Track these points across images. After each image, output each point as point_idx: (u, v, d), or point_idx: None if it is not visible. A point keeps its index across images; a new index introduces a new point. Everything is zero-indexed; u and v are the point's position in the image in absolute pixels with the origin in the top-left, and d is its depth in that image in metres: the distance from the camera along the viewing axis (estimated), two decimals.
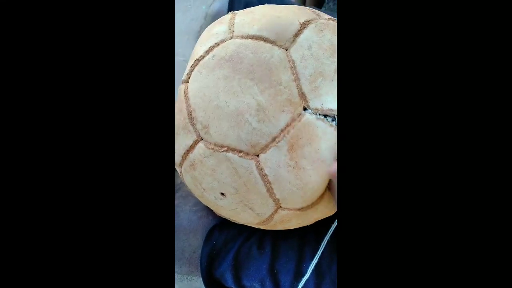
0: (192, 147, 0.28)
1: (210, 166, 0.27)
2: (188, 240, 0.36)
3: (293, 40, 0.27)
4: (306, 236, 0.34)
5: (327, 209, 0.29)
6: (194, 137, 0.27)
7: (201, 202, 0.38)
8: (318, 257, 0.30)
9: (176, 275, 0.36)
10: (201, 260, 0.34)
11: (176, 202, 0.39)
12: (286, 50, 0.26)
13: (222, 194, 0.28)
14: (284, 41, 0.27)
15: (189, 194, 0.40)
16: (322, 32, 0.27)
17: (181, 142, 0.28)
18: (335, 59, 0.26)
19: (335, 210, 0.30)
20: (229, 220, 0.34)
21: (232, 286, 0.34)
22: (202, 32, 0.32)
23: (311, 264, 0.30)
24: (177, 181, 0.46)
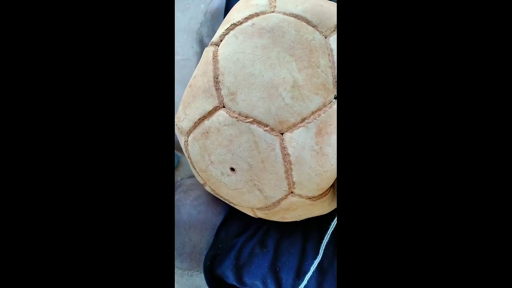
0: (210, 113, 0.25)
1: (227, 136, 0.25)
2: (188, 235, 0.35)
3: (333, 30, 0.26)
4: (309, 234, 0.33)
5: (328, 203, 0.28)
6: (216, 103, 0.25)
7: (201, 196, 0.36)
8: (321, 255, 0.29)
9: (176, 270, 0.34)
10: (204, 260, 0.33)
11: (177, 197, 0.38)
12: (325, 38, 0.26)
13: (232, 169, 0.26)
14: (326, 28, 0.26)
15: (189, 189, 0.38)
16: None
17: (198, 106, 0.26)
18: None
19: (334, 207, 0.30)
20: (233, 217, 0.32)
21: (234, 283, 0.33)
22: (201, 30, 0.31)
23: (314, 263, 0.29)
24: (176, 178, 0.44)
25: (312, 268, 0.31)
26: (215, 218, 0.35)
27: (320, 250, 0.32)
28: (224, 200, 0.30)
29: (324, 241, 0.33)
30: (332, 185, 0.27)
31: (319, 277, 0.31)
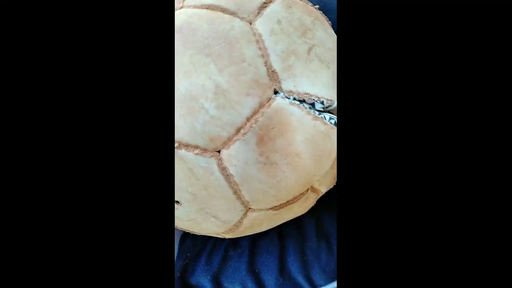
0: None
1: None
2: None
3: (258, 13, 0.20)
4: (286, 227, 0.29)
5: (301, 208, 0.24)
6: None
7: None
8: (304, 250, 0.25)
9: None
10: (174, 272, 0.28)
11: None
12: (250, 24, 0.20)
13: (177, 202, 0.21)
14: (247, 13, 0.20)
15: None
16: (291, 9, 0.21)
17: None
18: (307, 40, 0.20)
19: (309, 208, 0.26)
20: None
21: None
22: None
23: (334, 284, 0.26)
24: None
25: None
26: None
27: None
28: (186, 231, 0.25)
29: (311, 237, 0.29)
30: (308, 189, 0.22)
31: (305, 271, 0.27)
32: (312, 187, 0.22)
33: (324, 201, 0.24)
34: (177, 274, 0.28)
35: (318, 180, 0.21)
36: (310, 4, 0.23)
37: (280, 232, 0.29)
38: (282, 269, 0.27)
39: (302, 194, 0.21)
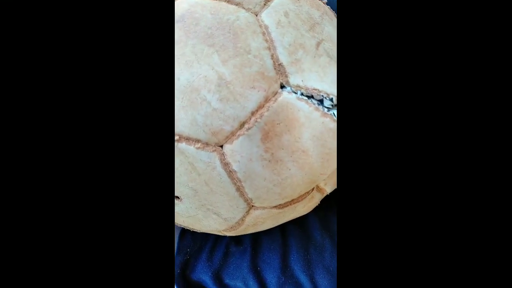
0: None
1: None
2: None
3: (265, 4, 0.19)
4: (290, 225, 0.28)
5: (305, 208, 0.23)
6: None
7: None
8: (308, 248, 0.24)
9: None
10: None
11: None
12: (256, 15, 0.19)
13: (177, 197, 0.19)
14: (253, 4, 0.19)
15: None
16: (299, 2, 0.20)
17: None
18: (315, 34, 0.19)
19: (312, 208, 0.24)
20: None
21: None
22: None
23: None
24: None
25: None
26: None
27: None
28: (186, 228, 0.24)
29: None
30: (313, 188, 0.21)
31: (308, 271, 0.26)
32: (317, 187, 0.21)
33: (329, 199, 0.23)
34: (177, 271, 0.27)
35: (324, 180, 0.20)
36: None
37: (284, 230, 0.28)
38: (285, 268, 0.26)
39: (307, 193, 0.20)
